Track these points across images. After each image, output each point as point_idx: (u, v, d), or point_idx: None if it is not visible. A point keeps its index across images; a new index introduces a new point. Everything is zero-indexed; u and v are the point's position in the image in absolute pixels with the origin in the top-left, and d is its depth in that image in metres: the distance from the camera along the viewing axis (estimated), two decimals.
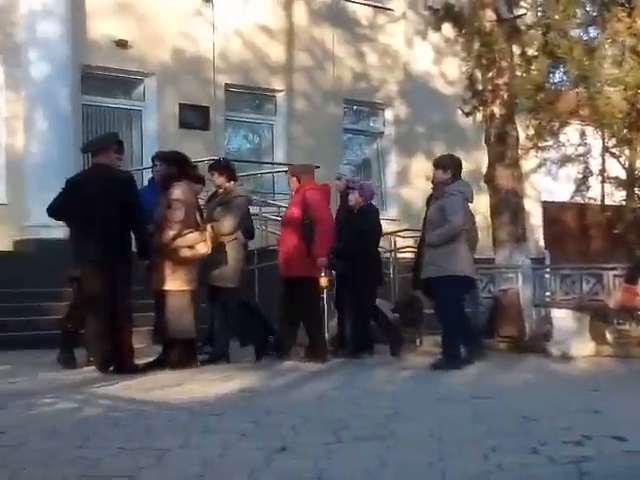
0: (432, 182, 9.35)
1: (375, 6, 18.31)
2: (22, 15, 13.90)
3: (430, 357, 9.28)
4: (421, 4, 16.50)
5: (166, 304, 8.48)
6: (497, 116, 12.39)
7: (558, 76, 13.68)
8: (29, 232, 13.18)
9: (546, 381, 8.24)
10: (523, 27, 12.75)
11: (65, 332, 8.70)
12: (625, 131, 12.87)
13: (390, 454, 4.66)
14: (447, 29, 13.50)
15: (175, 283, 8.47)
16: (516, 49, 12.76)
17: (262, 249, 12.78)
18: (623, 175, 17.64)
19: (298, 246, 9.30)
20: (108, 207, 8.17)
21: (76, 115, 14.19)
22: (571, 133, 16.53)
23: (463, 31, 12.91)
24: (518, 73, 12.71)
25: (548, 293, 11.21)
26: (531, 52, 12.62)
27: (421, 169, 16.36)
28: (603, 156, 18.41)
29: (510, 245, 12.06)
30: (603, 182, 18.58)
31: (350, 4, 17.83)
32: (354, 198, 10.06)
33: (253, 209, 13.30)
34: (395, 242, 12.71)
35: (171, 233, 8.44)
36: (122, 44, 14.89)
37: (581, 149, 17.92)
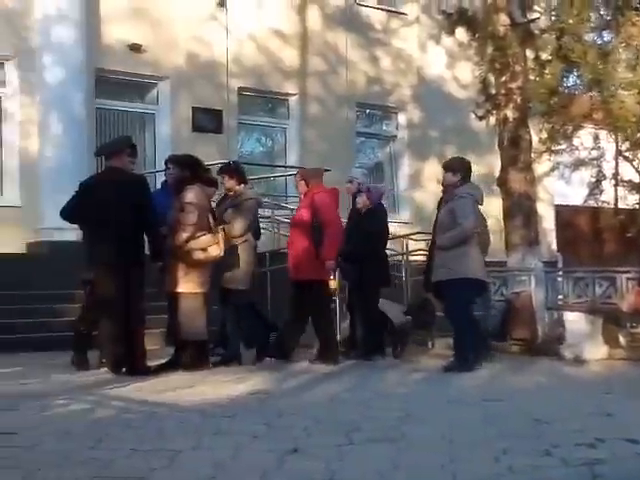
0: (442, 185, 9.36)
1: (389, 10, 18.31)
2: (37, 20, 13.95)
3: (442, 359, 9.29)
4: (435, 8, 16.47)
5: (179, 306, 8.51)
6: (510, 120, 12.37)
7: (572, 80, 13.66)
8: (43, 235, 13.22)
9: (558, 384, 8.22)
10: (537, 31, 12.72)
11: (78, 334, 8.73)
12: (639, 135, 12.83)
13: (401, 456, 4.67)
14: (461, 33, 13.48)
15: (188, 285, 8.50)
16: (530, 53, 12.73)
17: (274, 252, 12.80)
18: (636, 179, 17.64)
19: (307, 249, 9.30)
20: (121, 210, 8.20)
21: (90, 119, 14.25)
22: (584, 137, 16.51)
23: (477, 35, 12.89)
24: (532, 77, 12.69)
25: (561, 296, 11.19)
26: (545, 56, 12.59)
27: (434, 173, 16.31)
28: (616, 160, 18.38)
29: (523, 248, 12.03)
30: (616, 186, 18.56)
31: (364, 8, 17.83)
32: (362, 201, 10.08)
33: (266, 212, 13.37)
34: (407, 245, 12.70)
35: (184, 236, 8.46)
36: (136, 48, 14.93)
37: (594, 153, 17.92)
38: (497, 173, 12.79)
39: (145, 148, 15.10)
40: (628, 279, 10.38)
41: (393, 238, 12.72)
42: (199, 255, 8.52)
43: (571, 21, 11.98)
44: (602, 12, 13.03)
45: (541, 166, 15.52)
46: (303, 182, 9.68)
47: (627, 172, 18.05)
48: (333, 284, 9.53)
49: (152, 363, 8.49)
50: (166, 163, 9.76)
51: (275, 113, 17.51)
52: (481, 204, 9.12)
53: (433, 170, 16.71)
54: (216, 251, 8.59)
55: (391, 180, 18.37)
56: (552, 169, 17.63)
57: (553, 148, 13.94)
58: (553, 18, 12.74)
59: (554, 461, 4.49)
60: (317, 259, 9.24)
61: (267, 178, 16.55)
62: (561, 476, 4.26)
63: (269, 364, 9.18)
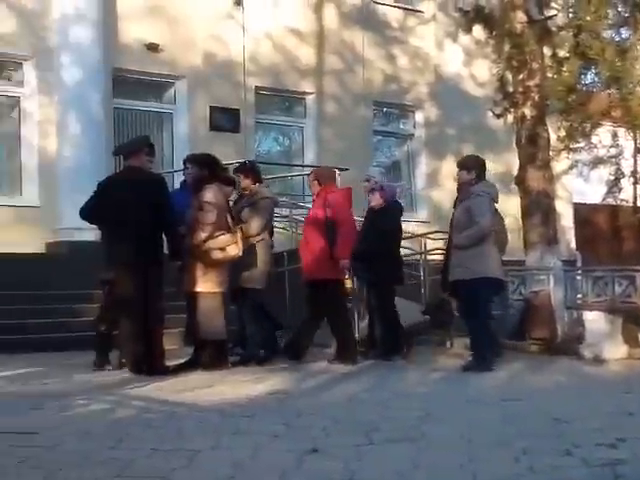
0: (457, 183, 9.33)
1: (405, 8, 18.28)
2: (54, 19, 14.00)
3: (460, 359, 9.27)
4: (451, 6, 16.44)
5: (197, 306, 8.52)
6: (528, 118, 12.35)
7: (590, 77, 13.62)
8: (61, 234, 13.27)
9: (578, 383, 8.19)
10: (554, 28, 12.69)
11: (100, 335, 8.72)
12: None
13: (420, 456, 4.66)
14: (477, 31, 13.47)
15: (206, 285, 8.51)
16: (547, 50, 12.71)
17: (292, 251, 12.78)
18: None
19: (322, 249, 9.26)
20: (140, 209, 8.22)
21: (108, 118, 14.28)
22: (603, 134, 16.43)
23: (494, 33, 12.88)
24: (549, 75, 12.66)
25: (580, 295, 11.13)
26: (562, 53, 12.56)
27: (451, 171, 16.11)
28: (635, 157, 18.31)
29: (541, 247, 12.01)
30: (635, 183, 18.49)
31: (380, 6, 17.81)
32: (375, 199, 10.06)
33: (283, 211, 13.37)
34: (425, 244, 12.67)
35: (203, 235, 8.48)
36: (153, 47, 14.97)
37: (613, 150, 17.84)
38: (515, 171, 12.77)
39: (163, 147, 15.12)
40: None
41: (411, 237, 12.72)
42: (217, 254, 8.53)
43: (588, 18, 11.95)
44: (620, 9, 13.00)
45: (559, 164, 15.46)
46: (316, 182, 9.66)
47: None
48: (349, 283, 9.50)
49: (171, 363, 8.50)
50: (184, 162, 9.76)
51: (292, 112, 17.51)
52: (496, 202, 9.08)
53: (450, 169, 16.57)
54: (235, 250, 8.60)
55: (408, 179, 18.35)
56: (570, 167, 17.55)
57: (571, 146, 13.87)
58: (570, 15, 12.71)
59: (575, 461, 4.47)
60: (331, 259, 9.23)
61: (284, 177, 16.55)
62: (582, 476, 4.25)
63: (282, 365, 9.14)
